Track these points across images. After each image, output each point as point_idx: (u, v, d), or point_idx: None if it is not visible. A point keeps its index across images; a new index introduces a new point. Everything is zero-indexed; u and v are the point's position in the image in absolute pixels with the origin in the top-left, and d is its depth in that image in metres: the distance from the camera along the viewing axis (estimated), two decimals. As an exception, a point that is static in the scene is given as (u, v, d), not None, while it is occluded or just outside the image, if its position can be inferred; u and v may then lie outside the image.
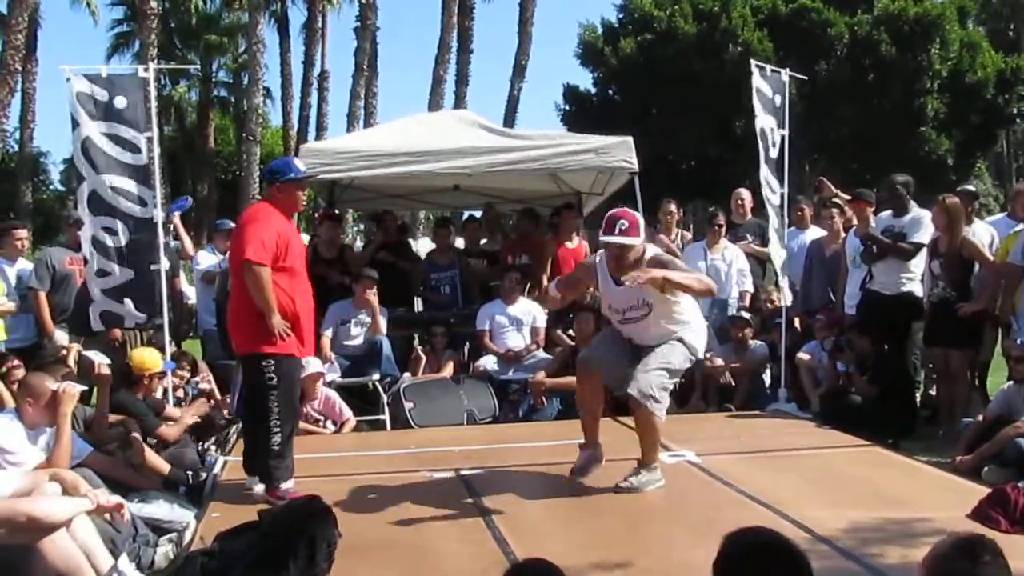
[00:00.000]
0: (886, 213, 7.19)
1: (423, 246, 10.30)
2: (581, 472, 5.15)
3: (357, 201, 10.82)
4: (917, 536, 3.95)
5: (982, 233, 7.20)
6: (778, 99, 7.86)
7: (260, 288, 4.85)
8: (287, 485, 4.95)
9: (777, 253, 7.75)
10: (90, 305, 6.80)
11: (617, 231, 4.76)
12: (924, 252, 6.95)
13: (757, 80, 7.76)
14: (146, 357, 6.09)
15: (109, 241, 6.75)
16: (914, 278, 7.00)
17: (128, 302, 6.82)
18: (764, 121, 7.71)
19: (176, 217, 8.45)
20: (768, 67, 7.99)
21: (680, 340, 4.94)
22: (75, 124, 6.68)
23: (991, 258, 6.84)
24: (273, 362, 4.92)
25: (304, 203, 5.28)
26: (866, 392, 6.72)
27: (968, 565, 2.30)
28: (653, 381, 4.76)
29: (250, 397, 5.15)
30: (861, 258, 7.25)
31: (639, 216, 4.97)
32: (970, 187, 7.77)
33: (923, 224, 6.92)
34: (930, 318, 6.95)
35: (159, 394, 6.31)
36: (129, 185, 6.74)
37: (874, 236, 7.04)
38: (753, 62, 7.98)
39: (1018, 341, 6.29)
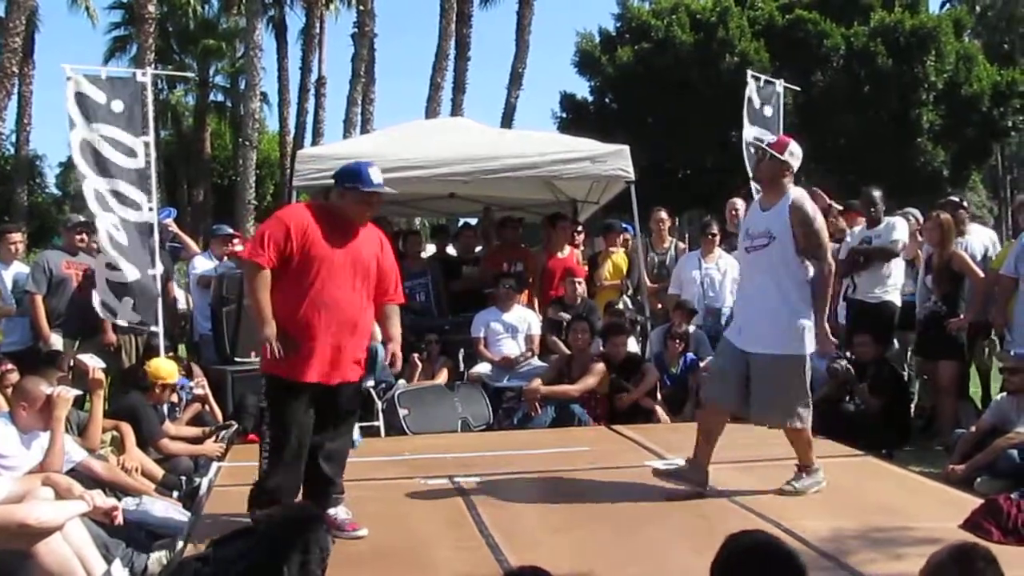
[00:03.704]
0: (859, 226, 7.43)
1: (429, 251, 10.25)
2: (668, 475, 5.11)
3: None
4: (909, 546, 3.96)
5: (976, 243, 7.28)
6: (767, 110, 7.92)
7: (250, 290, 4.28)
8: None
9: None
10: (93, 289, 6.82)
11: (765, 142, 4.98)
12: (902, 263, 7.21)
13: (751, 90, 7.80)
14: (162, 366, 6.08)
15: (118, 238, 6.77)
16: (895, 287, 7.21)
17: (127, 301, 6.83)
18: (751, 132, 7.76)
19: (171, 222, 8.44)
20: (763, 77, 8.03)
21: (781, 358, 4.83)
22: (72, 124, 6.68)
23: (980, 272, 6.91)
24: (264, 382, 4.35)
25: (366, 218, 4.51)
26: (871, 404, 6.78)
27: (964, 574, 2.33)
28: (789, 409, 4.91)
29: None
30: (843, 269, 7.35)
31: (791, 140, 5.00)
32: (954, 198, 7.91)
33: (896, 228, 7.17)
34: (921, 331, 7.13)
35: (164, 407, 6.30)
36: (127, 189, 6.76)
37: (858, 248, 7.26)
38: (750, 72, 8.02)
39: (1012, 352, 6.32)
